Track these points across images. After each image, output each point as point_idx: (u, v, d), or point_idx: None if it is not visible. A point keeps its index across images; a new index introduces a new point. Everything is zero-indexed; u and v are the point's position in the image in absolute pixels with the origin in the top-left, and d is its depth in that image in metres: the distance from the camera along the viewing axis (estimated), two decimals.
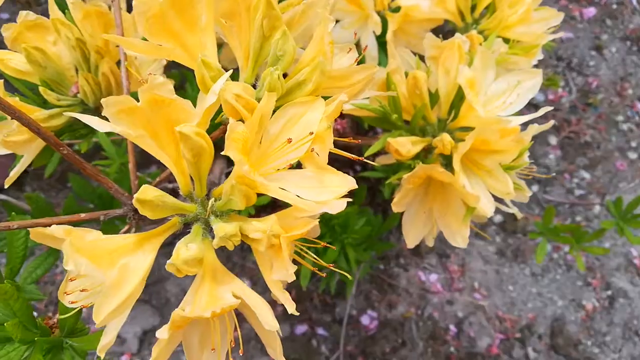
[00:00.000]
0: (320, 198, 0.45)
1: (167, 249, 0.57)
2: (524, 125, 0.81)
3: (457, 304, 1.97)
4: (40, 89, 0.70)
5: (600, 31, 2.44)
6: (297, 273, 1.44)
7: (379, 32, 1.04)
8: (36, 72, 0.70)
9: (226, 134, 0.44)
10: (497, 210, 2.11)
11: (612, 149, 2.14)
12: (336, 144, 1.37)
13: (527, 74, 0.76)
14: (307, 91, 0.48)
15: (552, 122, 0.79)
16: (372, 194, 2.00)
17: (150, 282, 2.03)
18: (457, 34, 0.78)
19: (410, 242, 0.79)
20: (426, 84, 0.76)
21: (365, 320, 1.95)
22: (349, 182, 0.45)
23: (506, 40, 0.97)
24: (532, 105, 2.22)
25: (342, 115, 1.47)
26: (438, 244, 2.27)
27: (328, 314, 1.99)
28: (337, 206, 0.45)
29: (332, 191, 0.45)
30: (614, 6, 2.52)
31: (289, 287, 2.06)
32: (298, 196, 0.45)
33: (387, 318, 1.97)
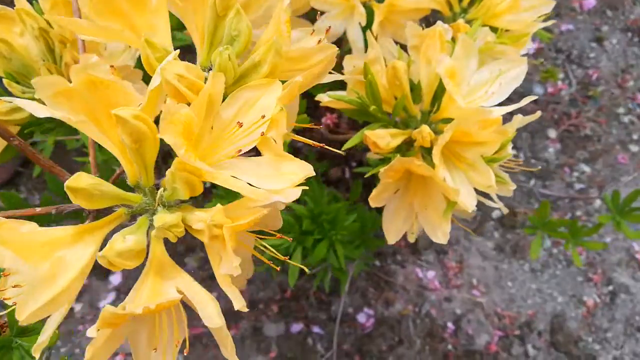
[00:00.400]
0: (275, 186, 0.42)
1: None
2: (511, 116, 0.78)
3: (455, 301, 1.94)
4: (5, 81, 0.68)
5: (600, 22, 2.39)
6: (285, 271, 1.40)
7: (364, 23, 1.02)
8: (0, 64, 0.68)
9: (161, 116, 0.42)
10: (495, 207, 2.08)
11: (613, 142, 2.10)
12: (325, 138, 1.32)
13: (512, 62, 0.73)
14: (263, 73, 0.45)
15: (539, 113, 0.76)
16: (368, 189, 1.97)
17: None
18: (439, 22, 0.75)
19: (391, 238, 0.76)
20: (406, 74, 0.73)
21: (361, 318, 1.93)
22: (305, 169, 0.42)
23: (495, 30, 0.94)
24: None
25: (331, 110, 1.44)
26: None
27: (324, 312, 1.97)
28: (292, 195, 0.42)
29: (288, 179, 0.42)
30: None
31: (284, 286, 2.04)
32: (250, 185, 0.42)
33: (384, 316, 1.94)
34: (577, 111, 2.16)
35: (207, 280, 2.00)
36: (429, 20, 1.16)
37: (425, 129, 0.70)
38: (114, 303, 2.00)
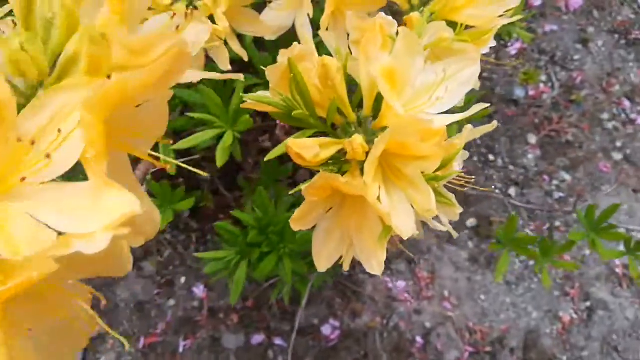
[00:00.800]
0: (87, 226, 0.30)
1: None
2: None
3: (425, 314, 1.84)
4: None
5: (586, 23, 2.30)
6: (249, 278, 1.27)
7: (312, 14, 0.90)
8: None
9: None
10: (471, 214, 1.97)
11: (595, 149, 2.01)
12: (279, 141, 1.18)
13: (463, 61, 0.62)
14: (83, 70, 0.34)
15: (495, 124, 0.65)
16: None
17: (100, 285, 1.89)
18: (380, 13, 0.63)
19: (321, 264, 0.65)
20: (340, 72, 0.62)
21: (326, 330, 1.82)
22: (130, 204, 0.30)
23: (452, 26, 0.83)
24: (511, 101, 2.08)
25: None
26: (407, 248, 2.14)
27: (287, 322, 1.86)
28: (99, 243, 0.29)
29: (106, 216, 0.30)
30: None
31: (246, 294, 1.93)
32: (49, 225, 0.30)
33: (350, 328, 1.83)
34: (559, 116, 2.06)
35: (165, 286, 1.88)
36: (387, 13, 1.05)
37: (356, 139, 0.58)
38: None
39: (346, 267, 0.66)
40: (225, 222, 1.07)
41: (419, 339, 1.80)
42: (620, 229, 1.63)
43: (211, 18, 0.96)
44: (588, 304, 1.82)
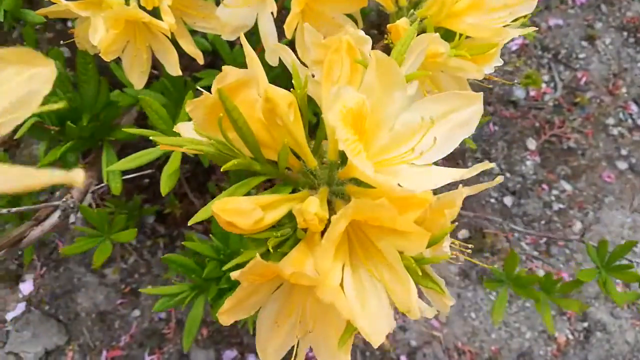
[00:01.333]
0: None
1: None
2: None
3: (411, 331, 1.71)
4: None
5: (593, 18, 2.13)
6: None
7: (275, 13, 0.74)
8: None
9: None
10: (464, 225, 1.83)
11: (599, 157, 1.86)
12: None
13: (461, 98, 0.46)
14: None
15: (499, 179, 0.49)
16: None
17: (59, 292, 1.74)
18: (347, 27, 0.47)
19: (268, 357, 0.50)
20: (294, 107, 0.46)
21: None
22: None
23: (448, 35, 0.66)
24: (510, 102, 1.92)
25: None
26: None
27: None
28: None
29: None
30: None
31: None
32: None
33: None
34: (561, 119, 1.91)
35: (129, 296, 1.73)
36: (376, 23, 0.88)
37: (309, 205, 0.43)
38: (23, 315, 1.74)
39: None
40: (176, 255, 0.91)
41: (403, 358, 1.66)
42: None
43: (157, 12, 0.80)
44: (585, 324, 1.69)
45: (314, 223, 0.43)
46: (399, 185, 0.43)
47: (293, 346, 0.51)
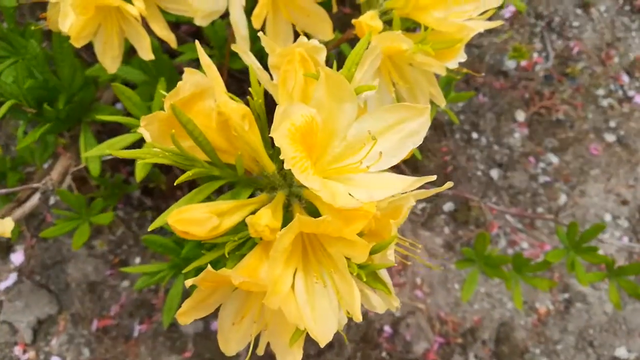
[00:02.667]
0: None
1: None
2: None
3: None
4: None
5: None
6: None
7: (245, 2, 0.73)
8: None
9: None
10: (450, 198, 1.85)
11: (587, 129, 1.86)
12: None
13: (410, 109, 0.46)
14: None
15: (449, 184, 0.50)
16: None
17: (50, 263, 1.78)
18: (301, 37, 0.47)
19: (229, 349, 0.52)
20: (248, 118, 0.47)
21: None
22: None
23: (414, 27, 0.66)
24: (500, 73, 1.91)
25: None
26: None
27: None
28: None
29: None
30: None
31: None
32: None
33: None
34: (551, 91, 1.90)
35: (118, 266, 1.76)
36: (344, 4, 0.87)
37: (259, 219, 0.44)
38: (15, 285, 1.78)
39: (261, 352, 0.54)
40: (155, 236, 0.93)
41: (387, 328, 1.71)
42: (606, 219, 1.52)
43: None
44: (566, 295, 1.74)
45: (266, 233, 0.44)
46: (349, 195, 0.44)
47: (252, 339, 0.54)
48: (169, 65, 1.06)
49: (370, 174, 0.47)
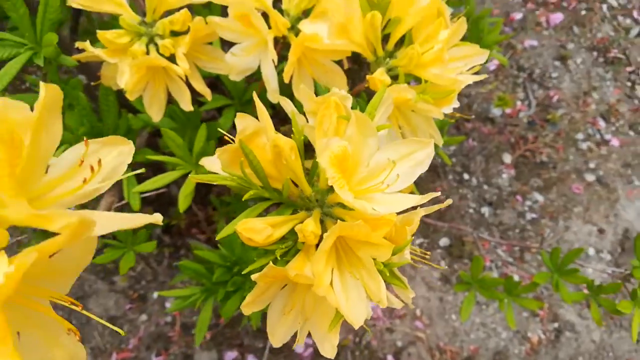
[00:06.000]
0: None
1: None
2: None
3: (397, 332, 1.86)
4: None
5: (566, 39, 2.30)
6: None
7: (276, 61, 0.89)
8: None
9: None
10: (445, 233, 1.98)
11: (569, 169, 2.02)
12: None
13: (417, 144, 0.61)
14: None
15: (449, 201, 0.65)
16: None
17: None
18: (334, 89, 0.62)
19: (276, 341, 0.64)
20: (294, 150, 0.61)
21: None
22: None
23: (418, 79, 0.82)
24: (488, 119, 2.09)
25: None
26: None
27: (260, 340, 1.86)
28: None
29: None
30: (583, 12, 2.39)
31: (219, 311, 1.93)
32: None
33: None
34: (534, 135, 2.07)
35: (137, 301, 1.87)
36: (357, 58, 1.04)
37: (307, 226, 0.58)
38: None
39: (301, 342, 0.66)
40: (189, 262, 1.05)
41: (390, 357, 1.81)
42: (589, 251, 1.65)
43: (172, 58, 0.95)
44: (556, 325, 1.85)
45: (311, 238, 0.58)
46: (373, 209, 0.58)
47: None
48: (197, 114, 1.21)
49: (388, 193, 0.61)
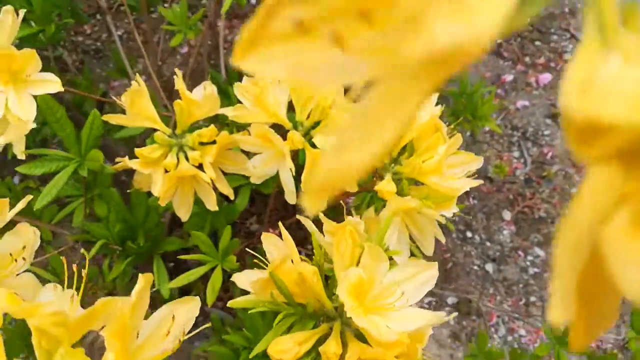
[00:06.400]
0: None
1: None
2: None
3: None
4: None
5: (555, 98, 2.43)
6: None
7: (293, 171, 1.00)
8: None
9: None
10: (451, 291, 2.05)
11: None
12: None
13: (422, 266, 0.71)
14: None
15: (453, 315, 0.74)
16: None
17: None
18: (349, 218, 0.73)
19: None
20: (316, 275, 0.71)
21: None
22: None
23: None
24: (486, 178, 2.19)
25: None
26: None
27: None
28: None
29: None
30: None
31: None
32: None
33: None
34: (531, 192, 2.17)
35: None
36: None
37: (330, 348, 0.67)
38: None
39: None
40: (219, 347, 1.14)
41: None
42: None
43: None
44: None
45: (334, 358, 0.67)
46: (387, 326, 0.68)
47: None
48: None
49: (400, 310, 0.70)
